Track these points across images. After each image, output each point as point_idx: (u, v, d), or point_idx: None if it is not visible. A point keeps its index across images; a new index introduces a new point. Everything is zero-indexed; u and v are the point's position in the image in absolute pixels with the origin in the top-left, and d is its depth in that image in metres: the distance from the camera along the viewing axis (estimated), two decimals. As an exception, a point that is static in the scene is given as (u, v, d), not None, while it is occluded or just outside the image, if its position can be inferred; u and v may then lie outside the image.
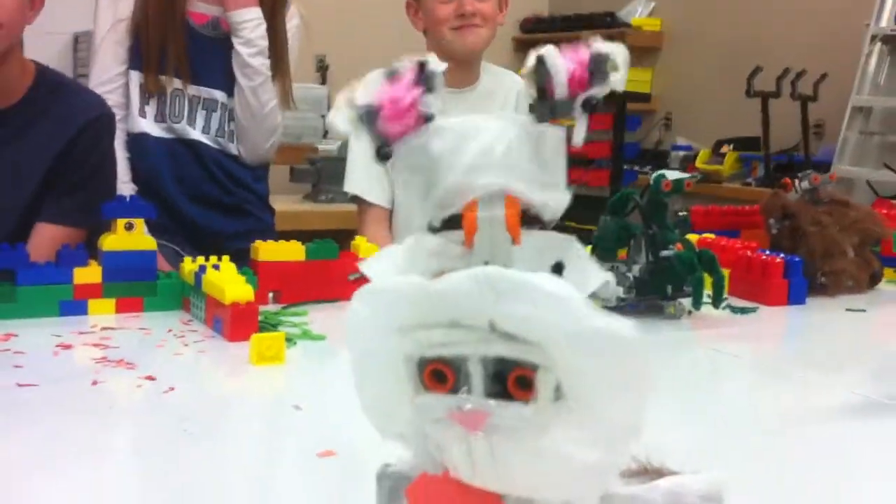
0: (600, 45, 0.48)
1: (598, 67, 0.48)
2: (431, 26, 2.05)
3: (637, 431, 0.44)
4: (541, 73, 0.48)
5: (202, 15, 1.94)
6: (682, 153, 4.27)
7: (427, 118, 0.48)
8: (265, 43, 1.94)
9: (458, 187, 0.47)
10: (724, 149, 4.09)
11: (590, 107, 0.48)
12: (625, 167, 4.11)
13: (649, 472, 0.59)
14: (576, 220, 0.87)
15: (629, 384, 0.43)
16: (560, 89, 0.48)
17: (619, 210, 1.49)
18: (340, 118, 0.49)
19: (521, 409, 0.43)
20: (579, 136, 0.49)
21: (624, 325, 0.42)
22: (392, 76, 0.49)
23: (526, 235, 0.47)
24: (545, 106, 0.48)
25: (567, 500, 0.45)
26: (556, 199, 0.49)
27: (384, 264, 0.49)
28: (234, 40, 1.92)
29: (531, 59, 0.49)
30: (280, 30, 1.98)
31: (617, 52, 0.48)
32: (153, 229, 1.77)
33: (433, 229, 0.49)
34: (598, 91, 0.48)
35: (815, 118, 3.89)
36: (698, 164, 4.14)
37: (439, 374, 0.44)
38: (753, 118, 3.85)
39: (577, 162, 3.95)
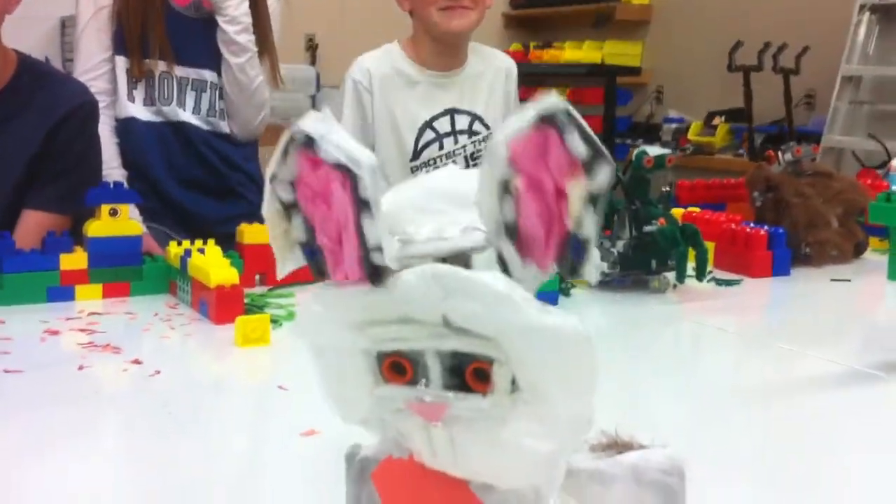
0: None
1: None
2: (418, 8, 2.03)
3: (589, 423, 0.45)
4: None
5: None
6: (674, 126, 4.28)
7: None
8: (249, 19, 1.94)
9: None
10: (716, 121, 4.10)
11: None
12: (617, 141, 4.11)
13: (618, 446, 0.59)
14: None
15: (579, 378, 0.43)
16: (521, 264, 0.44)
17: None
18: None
19: (479, 402, 0.44)
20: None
21: (570, 322, 0.42)
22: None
23: None
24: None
25: (524, 487, 0.46)
26: None
27: None
28: (219, 18, 1.92)
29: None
30: (262, 7, 1.99)
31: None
32: (144, 213, 1.78)
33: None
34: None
35: (806, 88, 3.89)
36: (690, 136, 4.14)
37: (398, 367, 0.45)
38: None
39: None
